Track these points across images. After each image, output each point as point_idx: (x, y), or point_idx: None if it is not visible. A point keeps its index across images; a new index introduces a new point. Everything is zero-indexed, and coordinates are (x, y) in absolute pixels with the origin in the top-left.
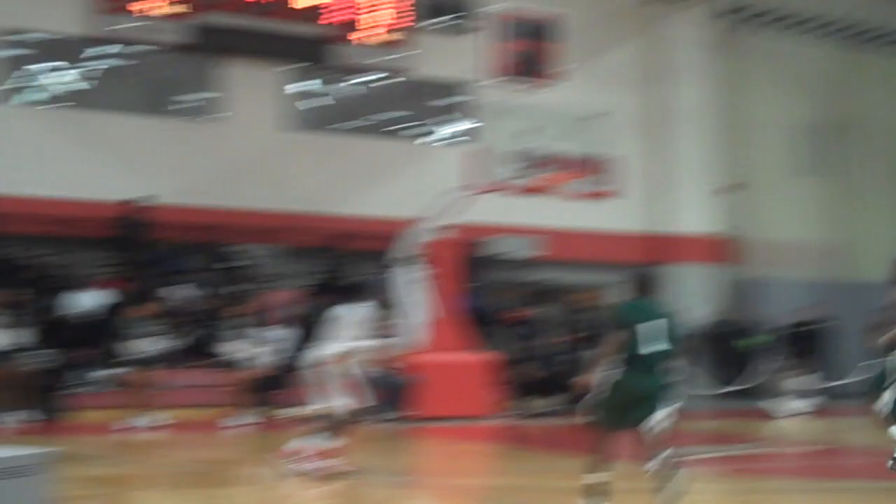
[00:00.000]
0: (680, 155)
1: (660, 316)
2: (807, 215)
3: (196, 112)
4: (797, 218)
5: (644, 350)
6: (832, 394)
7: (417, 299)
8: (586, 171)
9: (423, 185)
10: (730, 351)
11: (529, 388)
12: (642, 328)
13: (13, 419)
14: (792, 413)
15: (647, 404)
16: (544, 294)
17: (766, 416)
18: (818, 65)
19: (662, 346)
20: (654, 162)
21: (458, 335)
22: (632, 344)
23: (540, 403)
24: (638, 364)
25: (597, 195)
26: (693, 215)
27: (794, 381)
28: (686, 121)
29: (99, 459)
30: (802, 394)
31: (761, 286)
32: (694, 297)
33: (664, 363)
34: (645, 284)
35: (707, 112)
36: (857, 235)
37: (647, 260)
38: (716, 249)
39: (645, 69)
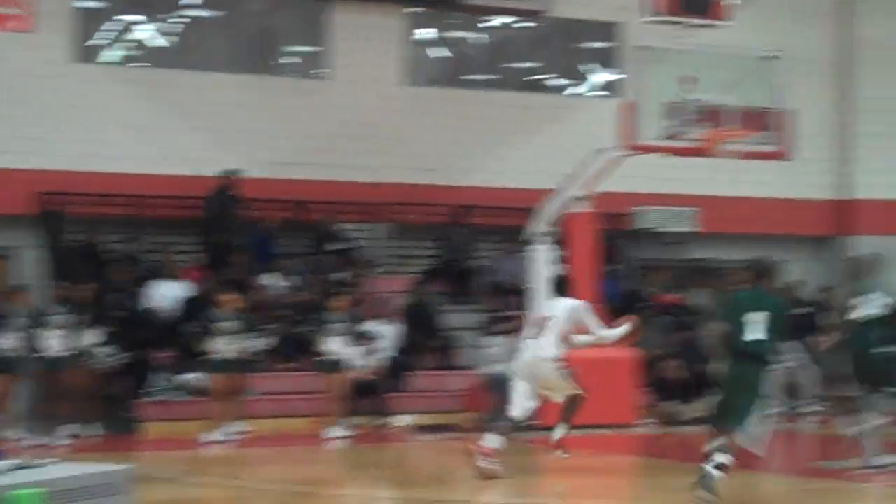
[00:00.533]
0: (869, 105)
1: (768, 307)
2: None
3: (300, 69)
4: None
5: (748, 339)
6: None
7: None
8: (756, 126)
9: (565, 147)
10: None
11: (672, 391)
12: (749, 318)
13: (68, 433)
14: None
15: (747, 396)
16: (702, 275)
17: None
18: None
19: (762, 336)
20: (837, 114)
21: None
22: (735, 335)
23: (682, 409)
24: (741, 355)
25: (769, 156)
26: (886, 178)
27: None
28: (879, 63)
29: (174, 479)
30: None
31: None
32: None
33: (768, 354)
34: (762, 274)
35: None
36: None
37: (829, 232)
38: None
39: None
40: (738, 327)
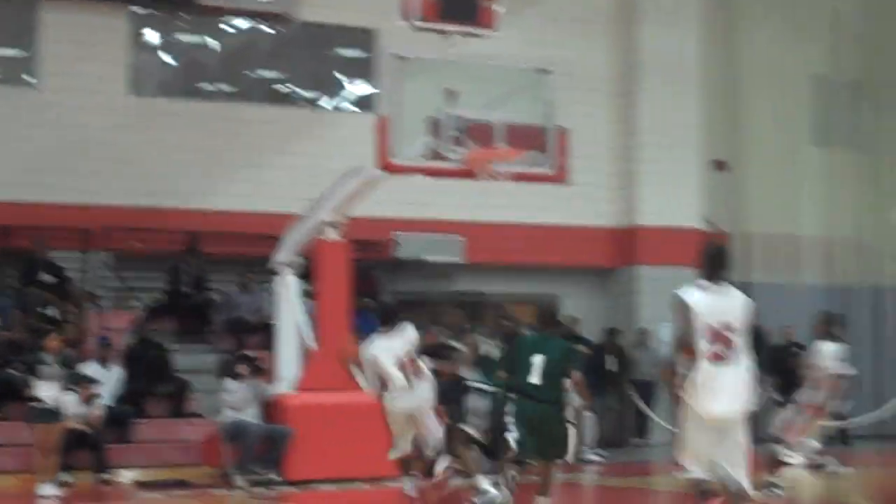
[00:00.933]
0: (652, 123)
1: (548, 352)
2: (817, 202)
3: (4, 75)
4: (805, 205)
5: (531, 382)
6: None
7: (300, 319)
8: (528, 146)
9: (315, 167)
10: None
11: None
12: (533, 361)
13: None
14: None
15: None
16: (469, 310)
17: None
18: (835, 6)
19: (539, 381)
20: (618, 135)
21: (340, 369)
22: (520, 377)
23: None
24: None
25: (542, 178)
26: (669, 203)
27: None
28: (661, 78)
29: None
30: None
31: (758, 294)
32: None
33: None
34: (546, 318)
35: (689, 67)
36: (884, 229)
37: (611, 262)
38: (693, 248)
39: (608, 11)
40: (525, 369)
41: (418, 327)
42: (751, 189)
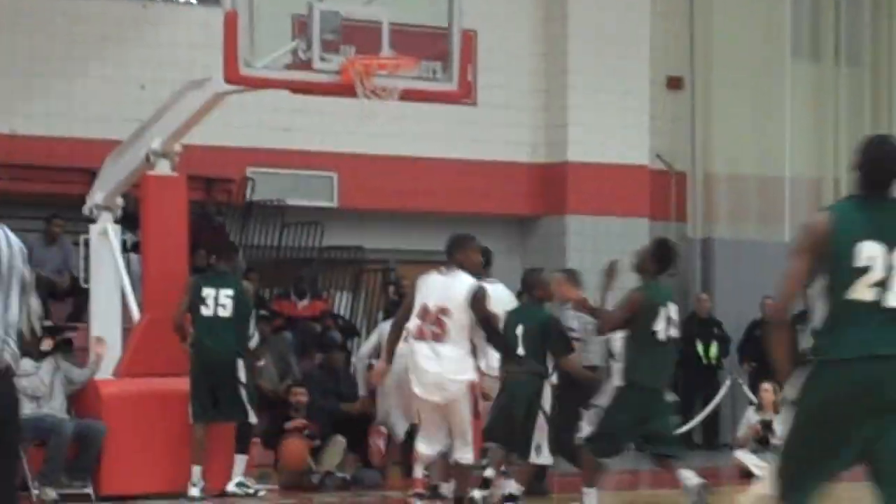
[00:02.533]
0: (587, 29)
1: (526, 321)
2: (802, 134)
3: None
4: (786, 139)
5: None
6: None
7: (122, 280)
8: (422, 54)
9: (138, 78)
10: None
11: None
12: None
13: None
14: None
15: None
16: (344, 272)
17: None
18: None
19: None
20: (542, 40)
21: (173, 348)
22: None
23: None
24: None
25: (440, 96)
26: (609, 134)
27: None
28: None
29: None
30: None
31: (716, 253)
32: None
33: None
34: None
35: None
36: None
37: (534, 208)
38: (643, 193)
39: None
40: (513, 342)
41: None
42: (715, 117)
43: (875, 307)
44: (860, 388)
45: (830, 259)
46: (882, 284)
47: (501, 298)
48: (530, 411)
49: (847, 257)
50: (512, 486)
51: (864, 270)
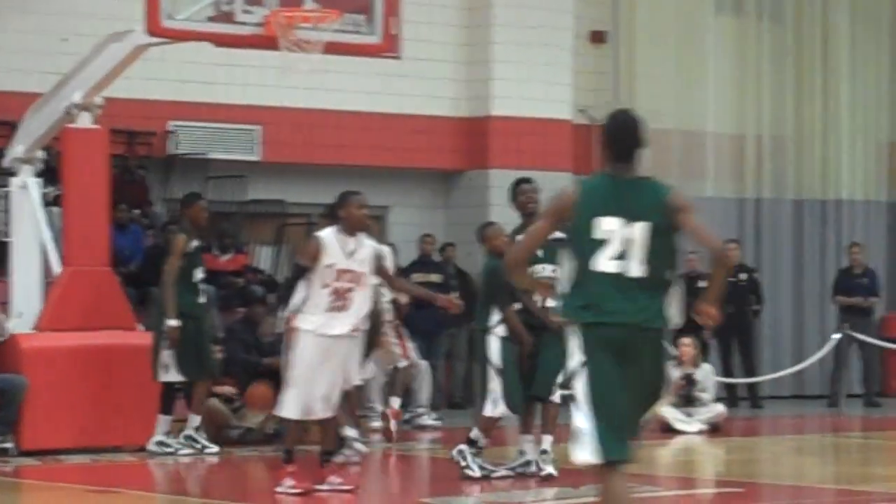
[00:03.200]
0: None
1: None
2: (725, 88)
3: None
4: (709, 93)
5: None
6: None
7: (43, 234)
8: (347, 6)
9: (56, 29)
10: None
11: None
12: None
13: None
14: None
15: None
16: (266, 226)
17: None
18: None
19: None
20: None
21: (95, 302)
22: None
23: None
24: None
25: (363, 49)
26: (532, 88)
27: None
28: None
29: None
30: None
31: None
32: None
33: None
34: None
35: None
36: (811, 124)
37: (452, 163)
38: (566, 147)
39: None
40: None
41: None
42: (639, 71)
43: (617, 278)
44: (611, 349)
45: (573, 231)
46: (622, 257)
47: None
48: (482, 365)
49: (587, 231)
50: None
51: (603, 243)
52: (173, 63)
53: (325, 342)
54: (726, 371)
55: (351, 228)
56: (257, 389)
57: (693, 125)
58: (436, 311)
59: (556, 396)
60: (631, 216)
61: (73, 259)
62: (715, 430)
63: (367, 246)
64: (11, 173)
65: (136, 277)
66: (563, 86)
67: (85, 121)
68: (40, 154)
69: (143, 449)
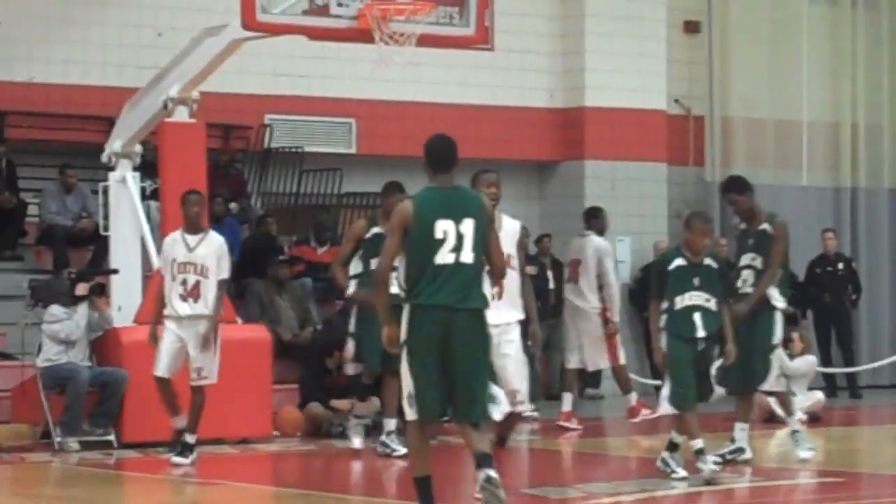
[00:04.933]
0: None
1: None
2: (820, 77)
3: None
4: (804, 82)
5: None
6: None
7: (142, 228)
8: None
9: (152, 25)
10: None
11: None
12: None
13: None
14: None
15: None
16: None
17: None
18: None
19: None
20: None
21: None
22: None
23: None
24: None
25: (458, 41)
26: (627, 78)
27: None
28: None
29: None
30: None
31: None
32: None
33: None
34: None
35: None
36: None
37: (547, 154)
38: (661, 137)
39: None
40: None
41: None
42: (733, 60)
43: (454, 267)
44: (440, 328)
45: (417, 234)
46: (456, 250)
47: None
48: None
49: (429, 233)
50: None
51: (443, 241)
52: (268, 57)
53: None
54: (825, 361)
55: None
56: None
57: (788, 114)
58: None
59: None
60: (459, 216)
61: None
62: (814, 419)
63: None
64: (110, 168)
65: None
66: (657, 76)
67: (182, 115)
68: (138, 148)
69: (244, 441)
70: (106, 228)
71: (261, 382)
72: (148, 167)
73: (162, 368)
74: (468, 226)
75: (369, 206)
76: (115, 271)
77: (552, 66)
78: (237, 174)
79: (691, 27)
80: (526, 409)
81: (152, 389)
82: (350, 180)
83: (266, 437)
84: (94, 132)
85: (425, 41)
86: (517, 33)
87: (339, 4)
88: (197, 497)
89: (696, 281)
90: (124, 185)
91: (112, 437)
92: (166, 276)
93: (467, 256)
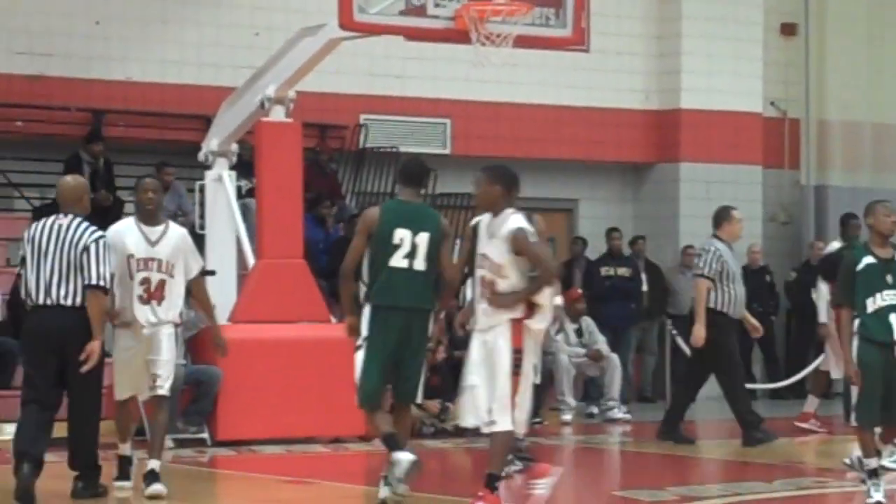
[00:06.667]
0: None
1: None
2: None
3: None
4: (891, 85)
5: None
6: None
7: (238, 226)
8: (539, 1)
9: (250, 25)
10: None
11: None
12: None
13: None
14: None
15: None
16: (457, 218)
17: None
18: None
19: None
20: None
21: (288, 294)
22: None
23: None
24: None
25: (554, 42)
26: (723, 80)
27: None
28: None
29: None
30: None
31: (830, 201)
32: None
33: None
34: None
35: None
36: None
37: (643, 156)
38: (756, 140)
39: None
40: None
41: None
42: (830, 63)
43: (407, 271)
44: (396, 326)
45: (378, 239)
46: (410, 256)
47: None
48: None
49: (389, 239)
50: None
51: (399, 246)
52: (365, 57)
53: None
54: None
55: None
56: None
57: (885, 117)
58: (625, 305)
59: None
60: (416, 228)
61: (267, 251)
62: None
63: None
64: (206, 166)
65: (327, 270)
66: (753, 78)
67: (278, 114)
68: (234, 147)
69: (336, 440)
70: (202, 227)
71: (353, 381)
72: (244, 166)
73: (125, 389)
74: (423, 238)
75: (463, 207)
76: (212, 272)
77: (648, 67)
78: (333, 174)
79: (788, 29)
80: (499, 431)
81: (246, 388)
82: (444, 181)
83: (358, 437)
84: (190, 131)
85: (522, 42)
86: (613, 35)
87: (437, 5)
88: (290, 495)
89: (889, 278)
90: (220, 184)
91: (206, 435)
92: (118, 275)
93: (420, 264)
